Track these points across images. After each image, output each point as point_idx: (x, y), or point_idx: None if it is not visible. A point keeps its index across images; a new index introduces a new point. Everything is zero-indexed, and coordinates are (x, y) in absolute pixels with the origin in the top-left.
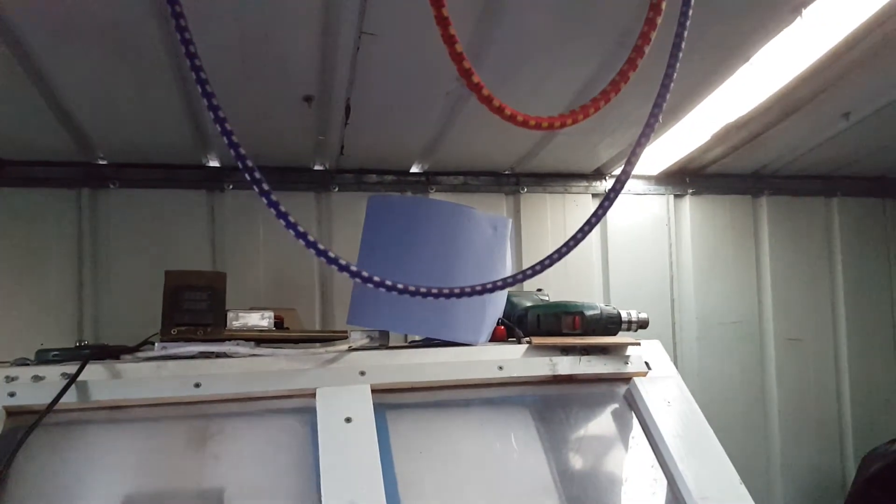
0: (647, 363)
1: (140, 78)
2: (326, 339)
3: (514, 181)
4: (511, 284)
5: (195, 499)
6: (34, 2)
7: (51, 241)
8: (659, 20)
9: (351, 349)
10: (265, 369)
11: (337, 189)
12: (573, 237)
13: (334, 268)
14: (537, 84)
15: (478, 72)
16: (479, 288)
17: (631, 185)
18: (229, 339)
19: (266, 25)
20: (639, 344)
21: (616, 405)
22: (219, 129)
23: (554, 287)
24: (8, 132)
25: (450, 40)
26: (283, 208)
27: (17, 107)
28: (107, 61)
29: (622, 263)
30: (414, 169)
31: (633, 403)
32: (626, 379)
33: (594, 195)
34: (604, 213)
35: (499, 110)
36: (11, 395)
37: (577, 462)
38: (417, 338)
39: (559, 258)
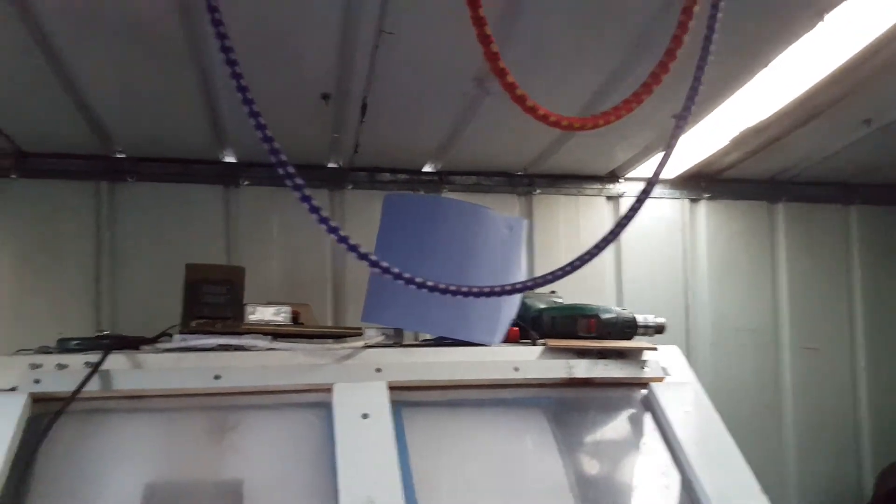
0: (664, 368)
1: (160, 72)
2: (342, 335)
3: (527, 182)
4: (540, 285)
5: (214, 488)
6: None
7: (70, 232)
8: (692, 24)
9: (367, 346)
10: (283, 363)
11: (351, 187)
12: (604, 238)
13: (365, 264)
14: (553, 85)
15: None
16: (508, 288)
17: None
18: (247, 333)
19: (286, 23)
20: (656, 349)
21: (633, 410)
22: (253, 122)
23: (566, 289)
24: (30, 124)
25: (486, 40)
26: (315, 202)
27: (39, 99)
28: (128, 55)
29: (636, 267)
30: (427, 168)
31: (650, 409)
32: (643, 384)
33: (608, 197)
34: (633, 216)
35: (531, 109)
36: (37, 382)
37: (592, 465)
38: (429, 336)
39: (590, 259)
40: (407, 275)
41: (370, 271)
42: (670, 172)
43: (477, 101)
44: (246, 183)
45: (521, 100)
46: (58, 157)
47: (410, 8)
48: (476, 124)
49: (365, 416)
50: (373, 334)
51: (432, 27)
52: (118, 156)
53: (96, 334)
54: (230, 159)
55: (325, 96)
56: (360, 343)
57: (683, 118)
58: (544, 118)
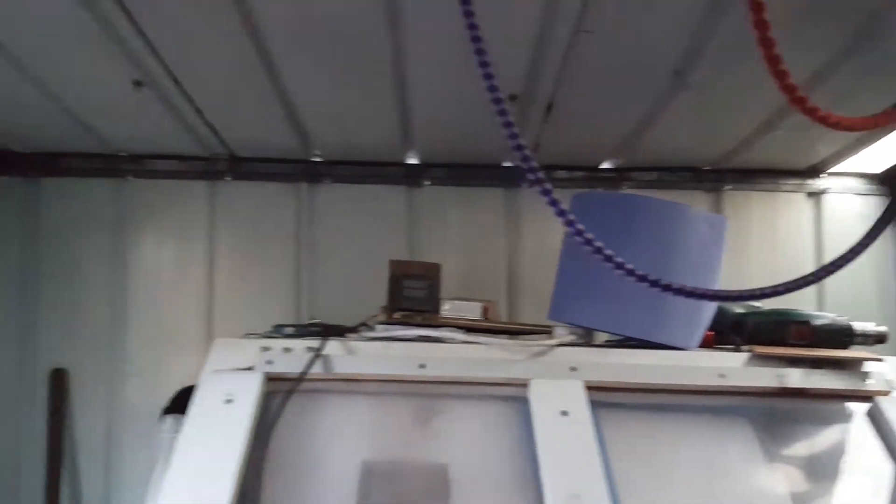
0: (888, 381)
1: (363, 81)
2: (531, 332)
3: (716, 177)
4: (785, 292)
5: (423, 470)
6: (281, 7)
7: (274, 230)
8: None
9: (561, 344)
10: (479, 356)
11: (526, 185)
12: (859, 243)
13: (605, 262)
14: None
15: (697, 66)
16: (753, 293)
17: (849, 183)
18: (444, 326)
19: (482, 25)
20: (881, 360)
21: (853, 425)
22: (506, 133)
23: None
24: (245, 133)
25: (768, 43)
26: (562, 206)
27: (255, 110)
28: (336, 66)
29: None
30: (605, 165)
31: (876, 424)
32: (866, 397)
33: (809, 194)
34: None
35: (811, 111)
36: (269, 363)
37: (807, 481)
38: (611, 337)
39: (843, 264)
40: (668, 281)
41: (559, 270)
42: (877, 166)
43: (670, 95)
44: (427, 183)
45: (800, 101)
46: (265, 161)
47: (611, 4)
48: (665, 118)
49: (564, 413)
50: (562, 333)
51: (632, 22)
52: (315, 159)
53: (308, 322)
54: (413, 161)
55: (512, 97)
56: (555, 341)
57: None
58: (824, 120)
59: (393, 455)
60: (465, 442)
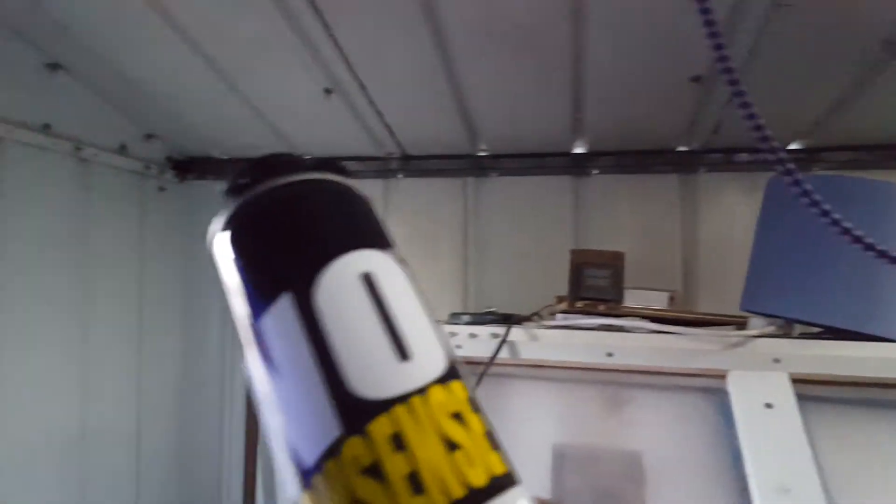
0: None
1: (538, 74)
2: (724, 322)
3: None
4: None
5: (616, 456)
6: (466, 10)
7: (442, 224)
8: None
9: (761, 335)
10: (670, 347)
11: (704, 170)
12: None
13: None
14: None
15: None
16: None
17: None
18: (629, 315)
19: (671, 13)
20: None
21: None
22: (742, 113)
23: None
24: (418, 131)
25: None
26: (818, 196)
27: (430, 109)
28: (513, 61)
29: None
30: (793, 146)
31: None
32: None
33: None
34: None
35: None
36: (458, 347)
37: None
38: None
39: None
40: None
41: (753, 257)
42: None
43: (878, 68)
44: (595, 172)
45: None
46: (434, 157)
47: None
48: (869, 94)
49: (768, 405)
50: (759, 323)
51: None
52: (481, 154)
53: (484, 311)
54: (580, 150)
55: (696, 78)
56: (753, 332)
57: None
58: None
59: (585, 440)
60: (659, 430)
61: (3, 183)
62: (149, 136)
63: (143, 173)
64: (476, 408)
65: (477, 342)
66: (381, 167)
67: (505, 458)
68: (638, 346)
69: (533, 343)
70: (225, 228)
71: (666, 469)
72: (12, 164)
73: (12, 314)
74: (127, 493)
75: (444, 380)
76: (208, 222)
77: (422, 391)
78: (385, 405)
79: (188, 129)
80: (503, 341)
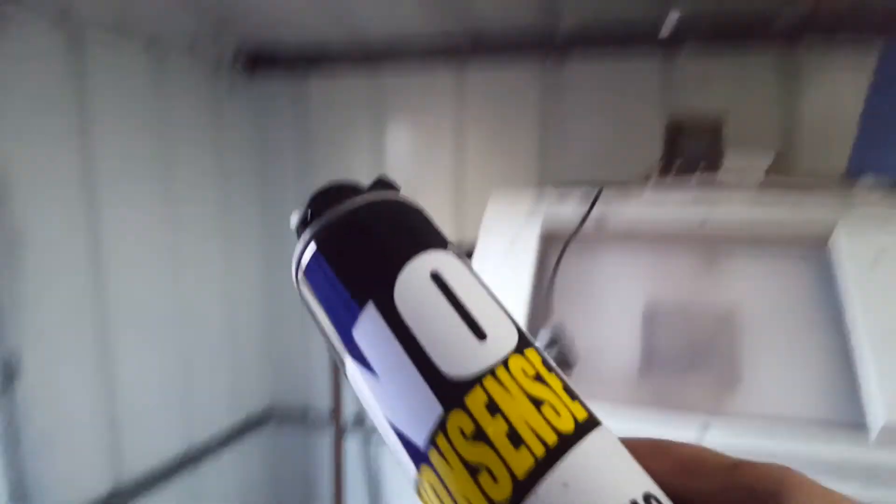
0: None
1: None
2: (826, 185)
3: None
4: None
5: (709, 311)
6: None
7: (520, 107)
8: None
9: (869, 198)
10: (769, 210)
11: (805, 47)
12: None
13: None
14: None
15: None
16: None
17: None
18: (726, 182)
19: None
20: None
21: None
22: None
23: None
24: (493, 10)
25: None
26: None
27: None
28: None
29: None
30: None
31: None
32: None
33: None
34: None
35: None
36: (547, 211)
37: None
38: None
39: None
40: None
41: (862, 120)
42: None
43: None
44: (686, 53)
45: None
46: (509, 42)
47: None
48: None
49: (876, 261)
50: (867, 184)
51: None
52: (561, 36)
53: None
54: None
55: None
56: (859, 194)
57: None
58: None
59: (677, 298)
60: (754, 289)
61: (87, 78)
62: (218, 32)
63: (214, 67)
64: (550, 367)
65: (566, 207)
66: (454, 50)
67: (584, 405)
68: (733, 212)
69: (624, 209)
70: (307, 259)
71: (761, 325)
72: (92, 61)
73: (107, 210)
74: (223, 379)
75: (519, 349)
76: (278, 116)
77: (503, 362)
78: (475, 380)
79: (258, 18)
80: (593, 204)
